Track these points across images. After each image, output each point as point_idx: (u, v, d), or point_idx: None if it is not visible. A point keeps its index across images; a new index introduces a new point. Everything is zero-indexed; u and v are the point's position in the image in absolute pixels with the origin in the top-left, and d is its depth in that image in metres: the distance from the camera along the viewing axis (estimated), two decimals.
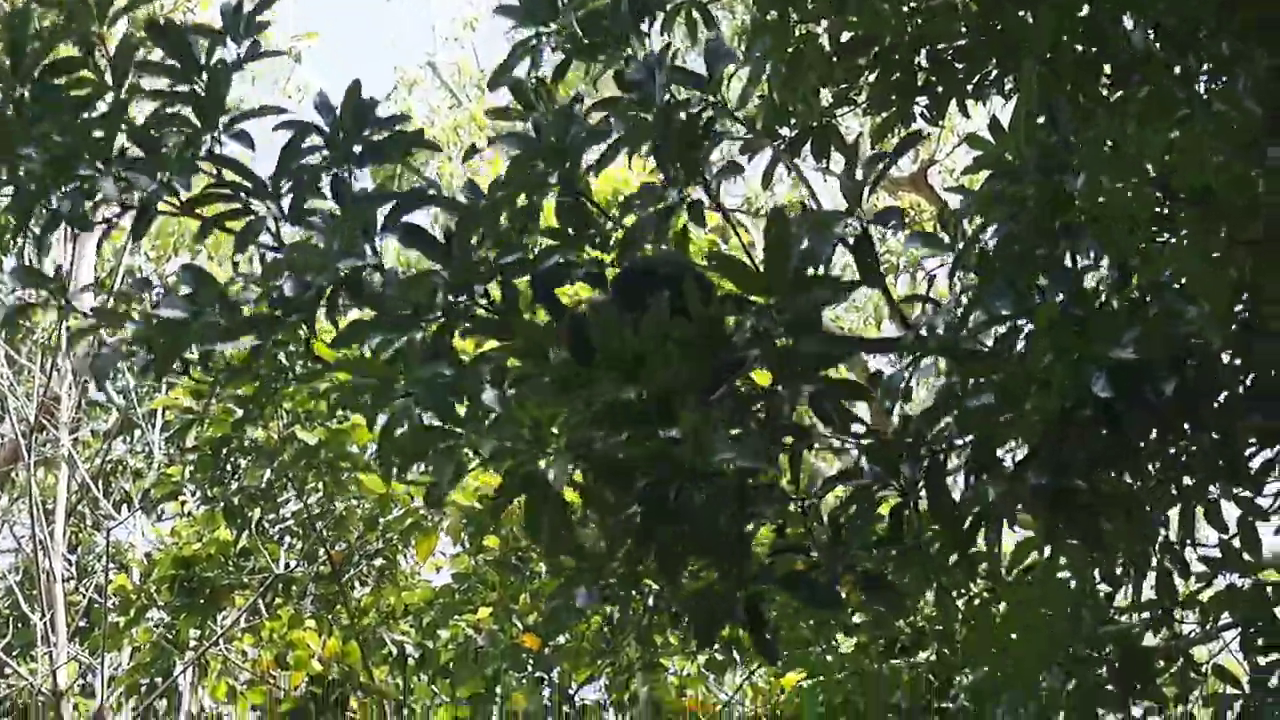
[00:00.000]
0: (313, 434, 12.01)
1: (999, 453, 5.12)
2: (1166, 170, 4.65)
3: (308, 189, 5.84)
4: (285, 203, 5.88)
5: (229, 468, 12.63)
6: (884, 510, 5.39)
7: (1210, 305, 4.59)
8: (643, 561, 4.90)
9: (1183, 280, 4.84)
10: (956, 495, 5.38)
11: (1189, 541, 6.57)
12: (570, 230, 5.88)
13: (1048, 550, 6.52)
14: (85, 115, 5.88)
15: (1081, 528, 4.97)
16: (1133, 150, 4.61)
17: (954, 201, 7.47)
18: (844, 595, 5.34)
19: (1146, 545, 6.37)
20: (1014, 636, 6.84)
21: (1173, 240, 4.98)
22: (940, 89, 6.79)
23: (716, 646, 11.96)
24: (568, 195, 5.93)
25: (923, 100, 7.04)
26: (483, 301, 5.54)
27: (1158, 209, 4.63)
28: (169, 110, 5.93)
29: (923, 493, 5.24)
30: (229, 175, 5.94)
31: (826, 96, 7.14)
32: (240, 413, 11.83)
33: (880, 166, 5.61)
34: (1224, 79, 5.12)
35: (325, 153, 5.87)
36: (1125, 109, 5.12)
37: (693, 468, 4.78)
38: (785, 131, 7.09)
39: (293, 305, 5.47)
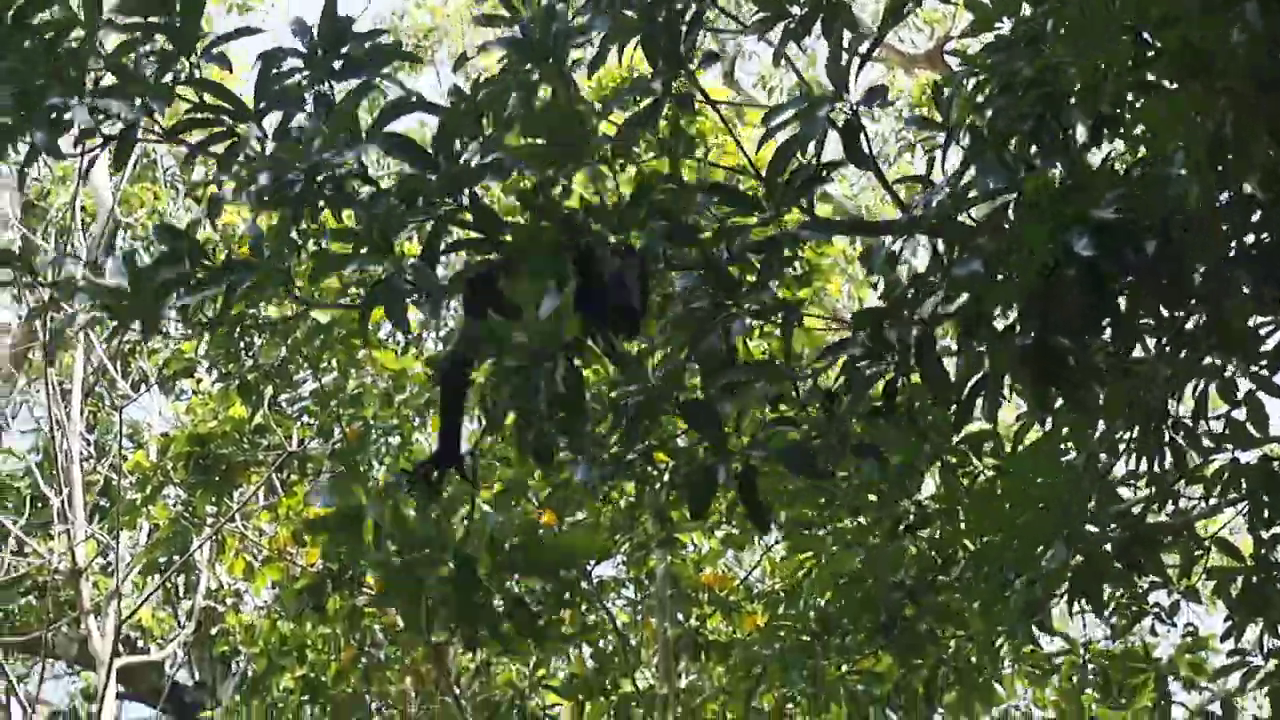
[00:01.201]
0: (326, 311, 12.00)
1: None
2: (1142, 21, 4.63)
3: (291, 106, 5.81)
4: (269, 124, 5.87)
5: (244, 345, 12.64)
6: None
7: (1188, 156, 4.56)
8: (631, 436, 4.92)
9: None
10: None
11: (1201, 416, 6.56)
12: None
13: (1049, 425, 6.55)
14: (58, 50, 5.85)
15: (1069, 392, 4.96)
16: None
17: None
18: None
19: (1145, 416, 6.35)
20: (1013, 511, 6.86)
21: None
22: None
23: (733, 522, 11.99)
24: (555, 94, 5.91)
25: None
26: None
27: (1133, 62, 4.61)
28: (144, 40, 5.92)
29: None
30: (210, 99, 5.91)
31: None
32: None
33: (866, 45, 5.57)
34: None
35: (305, 73, 5.84)
36: None
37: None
38: (795, 10, 7.07)
39: (274, 201, 5.48)
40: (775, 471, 5.45)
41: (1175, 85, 4.54)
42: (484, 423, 6.02)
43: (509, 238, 5.33)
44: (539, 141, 5.43)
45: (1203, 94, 4.43)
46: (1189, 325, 5.68)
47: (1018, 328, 4.86)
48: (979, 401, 5.38)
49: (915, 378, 5.32)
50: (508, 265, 5.34)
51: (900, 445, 6.75)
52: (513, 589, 5.48)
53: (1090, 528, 6.67)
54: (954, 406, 5.40)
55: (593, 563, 13.16)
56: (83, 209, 17.27)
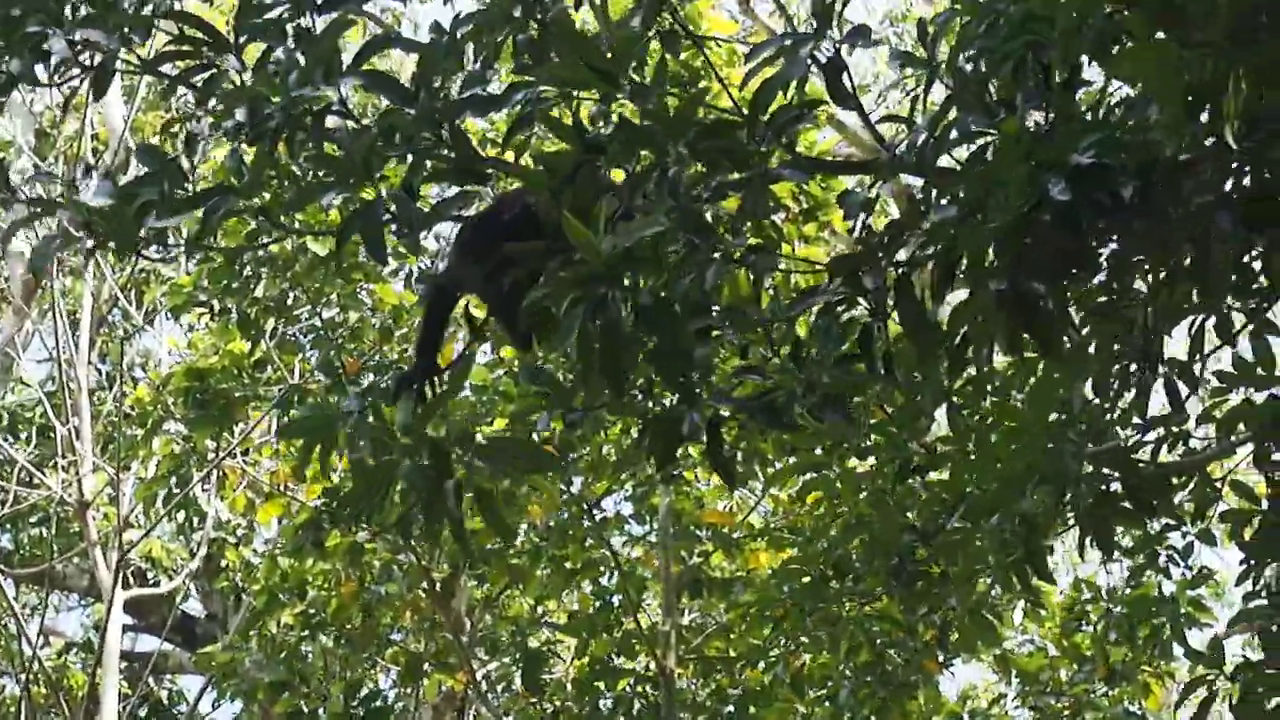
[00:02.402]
0: (324, 244, 11.88)
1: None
2: None
3: (271, 39, 5.72)
4: (249, 58, 5.78)
5: (244, 279, 12.53)
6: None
7: (1164, 108, 4.46)
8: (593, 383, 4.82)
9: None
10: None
11: (1199, 356, 6.43)
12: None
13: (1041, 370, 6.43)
14: None
15: (1042, 336, 4.86)
16: None
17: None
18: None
19: (1130, 357, 6.22)
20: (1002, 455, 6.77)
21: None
22: None
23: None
24: (538, 30, 5.77)
25: None
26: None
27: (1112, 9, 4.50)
28: None
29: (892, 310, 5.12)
30: (190, 32, 5.81)
31: None
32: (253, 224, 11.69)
33: None
34: None
35: (286, 6, 5.75)
36: None
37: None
38: None
39: (253, 134, 5.43)
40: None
41: (1153, 37, 4.44)
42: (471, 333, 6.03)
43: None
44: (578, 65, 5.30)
45: (1180, 47, 4.32)
46: (1172, 266, 5.57)
47: (992, 270, 4.76)
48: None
49: (893, 326, 5.23)
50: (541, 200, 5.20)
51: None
52: (481, 482, 5.41)
53: (1083, 467, 6.54)
54: (945, 355, 5.30)
55: (596, 498, 13.12)
56: (95, 137, 17.18)
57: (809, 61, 5.33)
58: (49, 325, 16.60)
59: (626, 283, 4.76)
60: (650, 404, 5.39)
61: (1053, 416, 6.49)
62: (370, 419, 5.47)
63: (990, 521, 6.83)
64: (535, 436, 9.15)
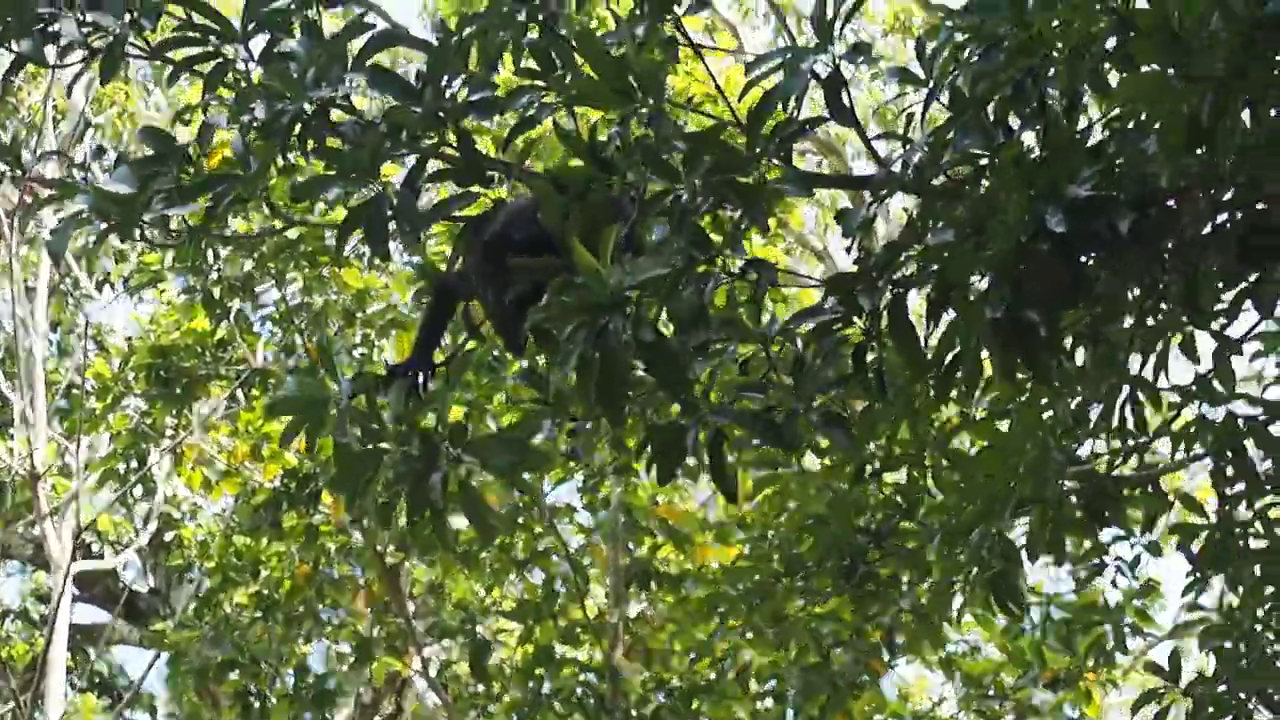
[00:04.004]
0: (296, 227, 11.93)
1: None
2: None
3: (279, 30, 5.80)
4: (255, 46, 5.86)
5: (210, 257, 12.56)
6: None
7: (1164, 140, 4.56)
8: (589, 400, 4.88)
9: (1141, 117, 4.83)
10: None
11: (1163, 371, 6.57)
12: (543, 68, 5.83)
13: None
14: None
15: (1037, 364, 4.96)
16: None
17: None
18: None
19: (1114, 380, 6.36)
20: (982, 478, 6.88)
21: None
22: None
23: None
24: (541, 31, 5.86)
25: None
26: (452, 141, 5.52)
27: (1115, 42, 4.60)
28: None
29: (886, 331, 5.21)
30: (198, 19, 5.89)
31: None
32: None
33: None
34: None
35: None
36: None
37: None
38: None
39: (266, 130, 5.45)
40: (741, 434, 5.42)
41: (1153, 69, 4.52)
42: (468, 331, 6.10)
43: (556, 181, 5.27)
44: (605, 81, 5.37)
45: (1180, 79, 4.41)
46: (1159, 290, 5.69)
47: (988, 297, 4.85)
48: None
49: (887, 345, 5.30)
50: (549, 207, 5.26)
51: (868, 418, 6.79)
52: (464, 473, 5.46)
53: (1059, 488, 6.69)
54: (933, 379, 5.39)
55: (548, 486, 13.20)
56: (54, 106, 17.16)
57: (809, 76, 5.41)
58: (2, 293, 16.56)
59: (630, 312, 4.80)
60: (650, 413, 5.48)
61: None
62: (359, 405, 5.53)
63: (971, 539, 6.93)
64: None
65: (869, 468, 8.25)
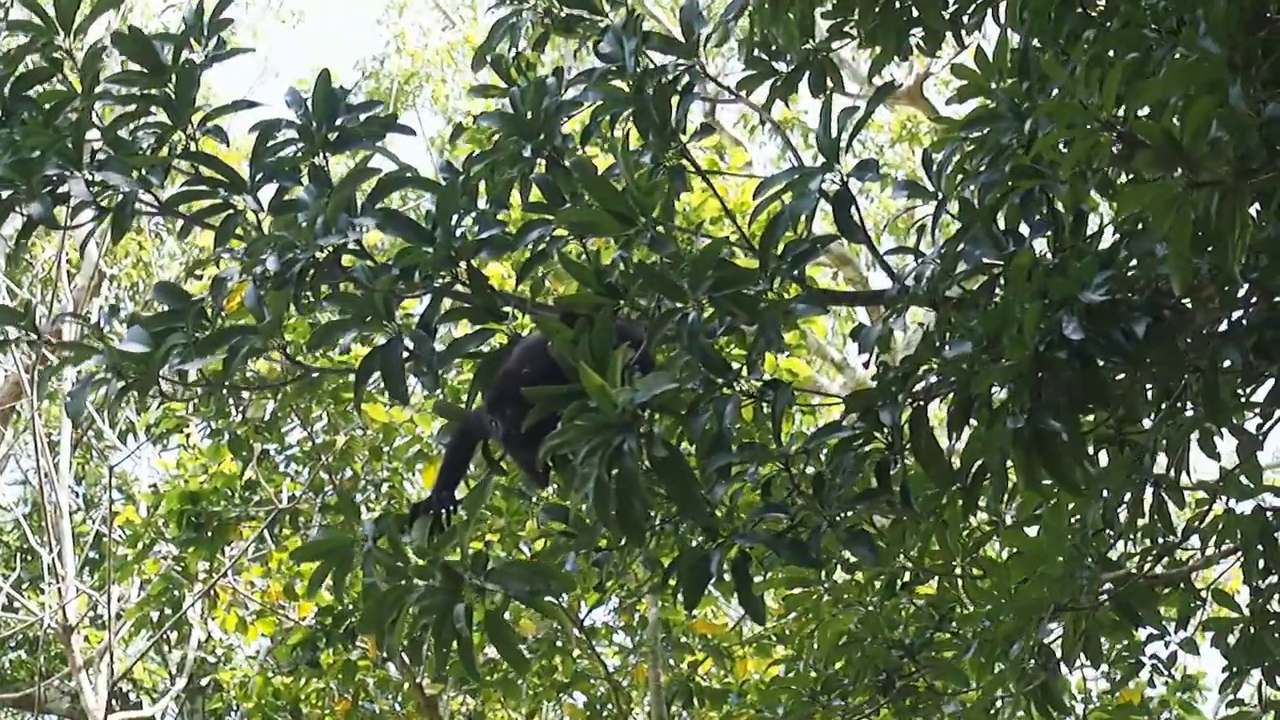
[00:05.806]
0: (314, 364, 11.96)
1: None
2: (1124, 114, 4.64)
3: (286, 179, 5.86)
4: (264, 195, 5.89)
5: (232, 400, 12.61)
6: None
7: (1171, 247, 4.58)
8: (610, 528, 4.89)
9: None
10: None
11: (1184, 470, 6.56)
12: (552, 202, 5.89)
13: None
14: (55, 122, 5.90)
15: (1060, 471, 4.97)
16: (1083, 95, 4.59)
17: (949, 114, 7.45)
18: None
19: (1138, 482, 6.37)
20: (1016, 588, 6.86)
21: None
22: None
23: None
24: (547, 167, 5.93)
25: (918, 32, 7.03)
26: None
27: (1116, 150, 4.62)
28: (139, 113, 5.99)
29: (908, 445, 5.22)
30: (206, 172, 5.94)
31: (822, 29, 7.12)
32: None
33: (854, 120, 5.57)
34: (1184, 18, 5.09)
35: (300, 145, 5.89)
36: (1087, 50, 5.10)
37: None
38: (781, 66, 7.11)
39: (278, 281, 5.49)
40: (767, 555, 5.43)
41: (1157, 177, 4.55)
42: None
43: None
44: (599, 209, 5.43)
45: (1185, 186, 4.43)
46: (1179, 389, 5.71)
47: (1009, 407, 4.87)
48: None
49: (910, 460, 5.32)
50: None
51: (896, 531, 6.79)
52: (490, 605, 5.47)
53: (1092, 595, 6.68)
54: (959, 491, 5.40)
55: (584, 609, 13.18)
56: (67, 260, 17.27)
57: (817, 195, 5.47)
58: (23, 447, 16.64)
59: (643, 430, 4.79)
60: (674, 536, 5.49)
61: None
62: (384, 544, 5.54)
63: (1011, 651, 6.90)
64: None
65: (899, 580, 8.23)
